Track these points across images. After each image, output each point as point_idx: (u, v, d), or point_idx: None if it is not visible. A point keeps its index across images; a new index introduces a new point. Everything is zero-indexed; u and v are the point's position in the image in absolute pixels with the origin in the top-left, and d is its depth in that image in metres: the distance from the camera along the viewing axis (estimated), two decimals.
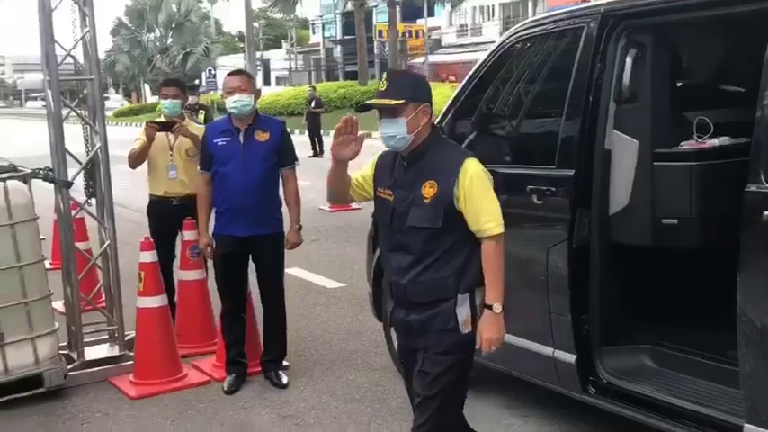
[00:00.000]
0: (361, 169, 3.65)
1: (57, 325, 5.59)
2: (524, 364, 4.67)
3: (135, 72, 51.52)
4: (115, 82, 53.14)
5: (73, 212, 5.95)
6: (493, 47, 5.08)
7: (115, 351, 6.03)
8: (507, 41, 4.94)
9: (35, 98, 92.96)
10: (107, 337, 6.21)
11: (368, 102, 3.53)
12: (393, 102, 3.37)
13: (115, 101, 62.58)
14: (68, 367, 5.63)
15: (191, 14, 49.68)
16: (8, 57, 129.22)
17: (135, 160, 6.44)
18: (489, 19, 51.37)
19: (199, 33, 49.95)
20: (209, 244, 5.61)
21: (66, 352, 5.84)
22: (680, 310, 4.42)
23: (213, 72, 46.49)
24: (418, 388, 3.52)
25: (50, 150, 5.75)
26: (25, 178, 5.50)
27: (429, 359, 3.47)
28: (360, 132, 3.39)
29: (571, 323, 4.29)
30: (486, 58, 5.03)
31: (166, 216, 6.41)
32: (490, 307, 3.40)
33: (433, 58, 49.77)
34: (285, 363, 5.82)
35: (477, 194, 3.36)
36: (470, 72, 5.18)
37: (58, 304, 6.12)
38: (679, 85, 4.73)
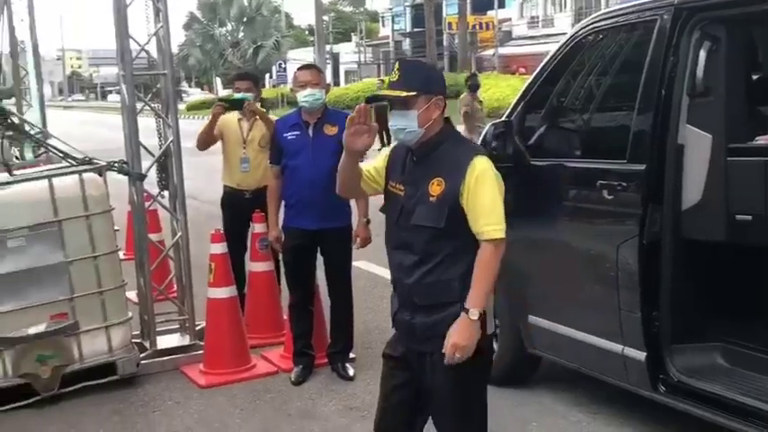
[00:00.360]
0: (374, 161, 3.49)
1: (130, 314, 5.72)
2: (594, 360, 4.62)
3: (207, 65, 52.29)
4: (188, 75, 54.04)
5: (146, 204, 6.08)
6: (564, 39, 5.02)
7: (186, 341, 6.14)
8: (579, 33, 4.88)
9: (110, 92, 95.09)
10: (178, 326, 6.32)
11: (378, 92, 3.44)
12: (404, 93, 3.22)
13: (198, 93, 63.23)
14: (141, 356, 5.76)
15: (262, 8, 50.26)
16: (85, 51, 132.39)
17: (201, 141, 6.59)
18: (561, 10, 50.74)
19: (270, 27, 50.46)
20: (278, 237, 5.67)
21: (138, 341, 5.97)
22: (752, 308, 4.32)
23: (283, 66, 46.93)
24: (437, 399, 3.33)
25: (125, 143, 5.89)
26: (100, 171, 5.63)
27: (439, 367, 3.24)
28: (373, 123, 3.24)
29: (641, 320, 4.22)
30: (558, 51, 4.98)
31: (239, 208, 6.52)
32: (467, 311, 3.15)
33: (503, 50, 49.38)
34: (352, 355, 5.85)
35: (482, 194, 3.15)
36: (541, 64, 5.13)
37: (132, 294, 6.25)
38: (754, 78, 4.62)
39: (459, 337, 3.14)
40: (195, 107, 48.73)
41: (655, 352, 4.23)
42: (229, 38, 51.13)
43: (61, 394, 5.36)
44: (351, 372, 5.67)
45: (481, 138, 5.34)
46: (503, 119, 5.16)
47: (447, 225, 3.18)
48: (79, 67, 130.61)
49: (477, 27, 49.88)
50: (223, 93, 57.70)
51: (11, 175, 5.62)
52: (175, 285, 6.44)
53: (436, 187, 3.19)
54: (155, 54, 6.09)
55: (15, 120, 6.29)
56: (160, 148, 6.08)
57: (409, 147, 3.31)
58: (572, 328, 4.65)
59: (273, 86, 48.76)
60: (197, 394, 5.47)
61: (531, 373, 5.33)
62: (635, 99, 4.30)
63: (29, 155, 7.45)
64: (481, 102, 13.94)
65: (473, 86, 13.55)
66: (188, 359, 5.91)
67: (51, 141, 6.34)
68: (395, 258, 3.36)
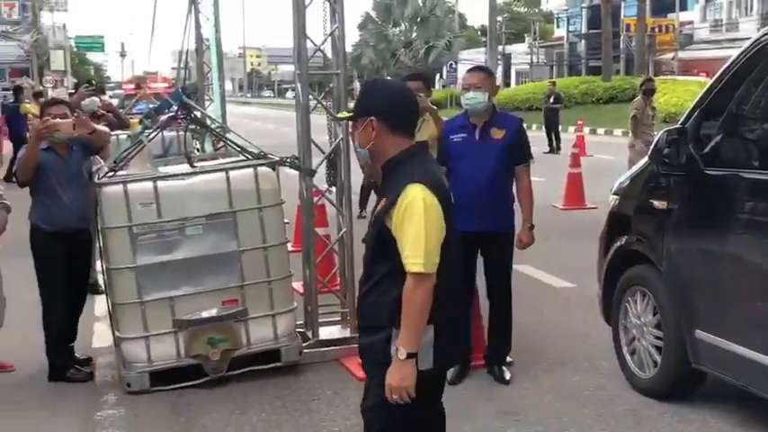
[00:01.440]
0: None
1: (295, 304, 5.92)
2: (762, 379, 4.40)
3: (379, 65, 53.09)
4: (360, 74, 55.04)
5: (315, 199, 6.27)
6: (746, 45, 4.80)
7: (346, 333, 6.28)
8: (763, 39, 4.65)
9: (287, 89, 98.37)
10: (339, 318, 6.49)
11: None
12: (347, 114, 3.37)
13: None
14: (303, 345, 5.95)
15: (436, 9, 50.51)
16: (264, 49, 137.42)
17: None
18: (747, 14, 48.31)
19: (442, 27, 50.65)
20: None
21: (302, 330, 6.17)
22: None
23: (454, 66, 47.03)
24: None
25: (297, 140, 6.09)
26: (274, 165, 5.86)
27: (371, 392, 3.23)
28: None
29: None
30: (739, 56, 4.77)
31: None
32: (398, 349, 3.04)
33: (683, 54, 47.54)
34: (509, 359, 5.82)
35: (407, 224, 3.03)
36: (720, 70, 4.93)
37: (296, 285, 6.45)
38: None
39: (390, 378, 3.06)
40: None
41: None
42: (402, 38, 51.70)
43: (228, 377, 5.62)
44: (507, 375, 5.65)
45: (653, 144, 5.20)
46: (677, 125, 5.00)
47: (378, 246, 3.14)
48: (258, 64, 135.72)
49: (656, 30, 48.23)
50: None
51: (191, 166, 5.94)
52: (338, 279, 6.61)
53: (380, 207, 3.17)
54: (329, 54, 6.27)
55: (198, 114, 6.63)
56: (330, 145, 6.25)
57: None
58: (742, 345, 4.45)
59: (443, 86, 48.97)
60: (355, 386, 5.58)
61: (694, 388, 5.14)
62: None
63: (208, 148, 7.83)
64: (654, 108, 13.50)
65: (647, 91, 13.14)
66: (348, 351, 6.03)
67: (230, 136, 6.64)
68: None
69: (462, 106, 5.50)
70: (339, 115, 3.33)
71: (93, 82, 9.76)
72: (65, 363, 5.81)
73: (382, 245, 3.12)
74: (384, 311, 3.11)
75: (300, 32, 5.96)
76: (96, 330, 6.90)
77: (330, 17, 6.16)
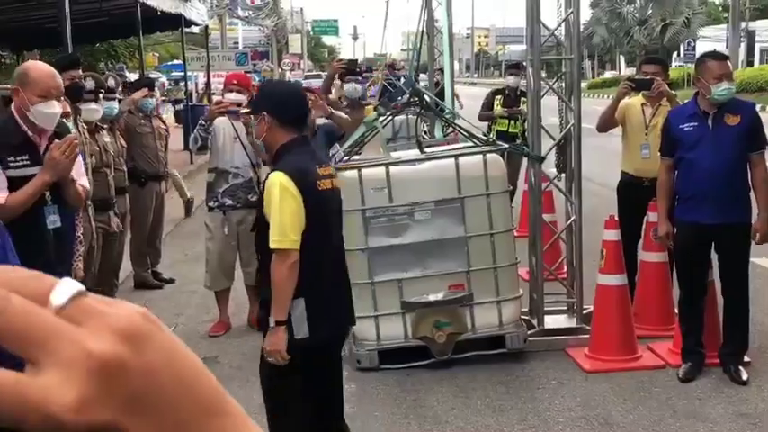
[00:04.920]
0: None
1: (521, 291, 5.92)
2: None
3: (611, 44, 51.54)
4: (590, 54, 53.70)
5: (543, 185, 6.22)
6: None
7: (572, 323, 6.21)
8: None
9: None
10: (565, 308, 6.41)
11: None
12: (244, 110, 3.94)
13: (607, 74, 62.47)
14: (528, 333, 5.93)
15: None
16: (492, 29, 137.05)
17: (602, 123, 6.57)
18: None
19: (680, 4, 48.33)
20: (669, 232, 5.49)
21: (526, 318, 6.16)
22: None
23: (692, 44, 44.80)
24: None
25: (528, 125, 6.07)
26: (502, 152, 5.86)
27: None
28: None
29: None
30: None
31: (636, 196, 6.41)
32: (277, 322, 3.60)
33: None
34: (746, 359, 5.53)
35: (267, 206, 3.57)
36: None
37: (521, 271, 6.43)
38: None
39: (265, 343, 3.64)
40: (596, 86, 48.43)
41: None
42: (637, 15, 49.87)
43: (453, 360, 5.72)
44: (744, 375, 5.36)
45: None
46: None
47: (261, 229, 3.67)
48: (486, 45, 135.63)
49: None
50: (626, 72, 56.59)
51: (421, 152, 6.07)
52: (565, 267, 6.53)
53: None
54: (563, 38, 6.18)
55: (428, 99, 6.75)
56: (560, 130, 6.17)
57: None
58: None
59: (679, 66, 46.78)
60: (581, 377, 5.52)
61: None
62: None
63: (438, 133, 7.95)
64: None
65: None
66: (573, 341, 5.97)
67: (458, 122, 6.71)
68: None
69: (711, 96, 5.20)
70: (242, 111, 4.02)
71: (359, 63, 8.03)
72: None
73: (264, 228, 3.61)
74: (267, 290, 3.63)
75: (534, 17, 5.91)
76: None
77: (565, 1, 6.06)
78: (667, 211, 5.52)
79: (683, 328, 5.54)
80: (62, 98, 4.30)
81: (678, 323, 5.67)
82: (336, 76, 7.66)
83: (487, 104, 10.28)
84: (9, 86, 4.39)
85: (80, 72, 6.13)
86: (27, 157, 4.05)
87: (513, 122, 10.02)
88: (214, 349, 6.20)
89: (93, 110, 6.21)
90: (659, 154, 5.56)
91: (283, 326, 3.58)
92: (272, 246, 3.54)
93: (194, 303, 7.40)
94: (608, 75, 55.60)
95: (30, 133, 4.13)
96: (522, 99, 9.31)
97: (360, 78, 7.75)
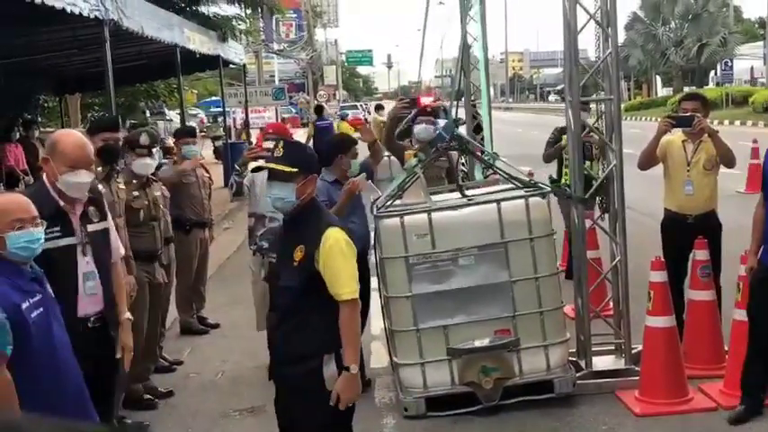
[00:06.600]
0: None
1: (568, 335, 5.86)
2: None
3: (648, 65, 51.14)
4: (626, 75, 53.33)
5: (587, 223, 6.17)
6: None
7: (621, 364, 6.13)
8: None
9: (549, 92, 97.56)
10: (613, 348, 6.33)
11: (263, 164, 4.04)
12: (287, 168, 3.76)
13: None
14: (577, 375, 5.87)
15: (708, 4, 47.85)
16: (525, 53, 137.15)
17: (644, 160, 6.51)
18: None
19: (716, 24, 47.88)
20: (753, 268, 5.37)
21: (574, 360, 6.09)
22: None
23: (729, 63, 44.39)
24: None
25: (569, 168, 6.04)
26: (544, 194, 5.84)
27: (306, 410, 3.85)
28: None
29: None
30: None
31: (680, 232, 6.34)
32: (348, 368, 3.72)
33: None
34: None
35: (333, 260, 3.69)
36: None
37: (567, 308, 6.36)
38: None
39: (347, 392, 3.75)
40: (633, 108, 48.10)
41: None
42: (672, 36, 49.48)
43: (501, 405, 5.67)
44: None
45: None
46: None
47: (306, 285, 3.72)
48: (520, 69, 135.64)
49: None
50: (662, 92, 56.14)
51: (463, 196, 6.06)
52: (611, 305, 6.46)
53: (299, 253, 3.75)
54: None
55: (469, 145, 6.74)
56: (602, 171, 6.13)
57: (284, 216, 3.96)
58: None
59: (717, 84, 46.33)
60: (631, 422, 5.45)
61: None
62: None
63: (478, 174, 7.94)
64: None
65: None
66: (623, 383, 5.88)
67: (498, 163, 6.69)
68: (270, 318, 4.07)
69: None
70: (285, 168, 3.78)
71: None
72: None
73: (312, 284, 3.72)
74: (315, 342, 3.77)
75: (572, 59, 5.89)
76: (373, 351, 7.14)
77: (603, 42, 6.06)
78: (756, 249, 5.37)
79: (746, 368, 5.37)
80: (92, 165, 4.35)
81: (729, 361, 5.56)
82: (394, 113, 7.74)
83: (553, 142, 8.89)
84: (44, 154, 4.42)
85: (118, 134, 6.19)
86: (59, 229, 4.05)
87: (590, 163, 8.11)
88: (260, 398, 6.20)
89: (147, 164, 6.31)
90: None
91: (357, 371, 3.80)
92: (346, 297, 3.74)
93: (239, 349, 7.43)
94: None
95: (61, 203, 4.14)
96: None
97: (432, 119, 7.21)
